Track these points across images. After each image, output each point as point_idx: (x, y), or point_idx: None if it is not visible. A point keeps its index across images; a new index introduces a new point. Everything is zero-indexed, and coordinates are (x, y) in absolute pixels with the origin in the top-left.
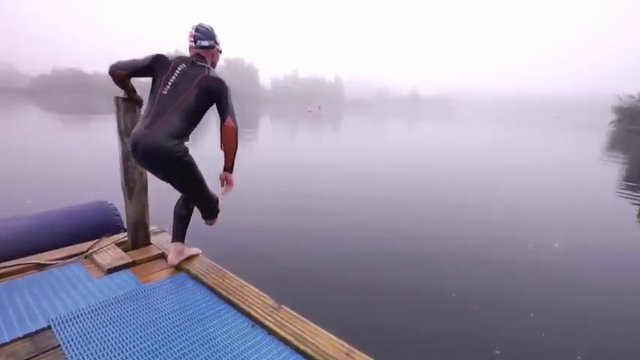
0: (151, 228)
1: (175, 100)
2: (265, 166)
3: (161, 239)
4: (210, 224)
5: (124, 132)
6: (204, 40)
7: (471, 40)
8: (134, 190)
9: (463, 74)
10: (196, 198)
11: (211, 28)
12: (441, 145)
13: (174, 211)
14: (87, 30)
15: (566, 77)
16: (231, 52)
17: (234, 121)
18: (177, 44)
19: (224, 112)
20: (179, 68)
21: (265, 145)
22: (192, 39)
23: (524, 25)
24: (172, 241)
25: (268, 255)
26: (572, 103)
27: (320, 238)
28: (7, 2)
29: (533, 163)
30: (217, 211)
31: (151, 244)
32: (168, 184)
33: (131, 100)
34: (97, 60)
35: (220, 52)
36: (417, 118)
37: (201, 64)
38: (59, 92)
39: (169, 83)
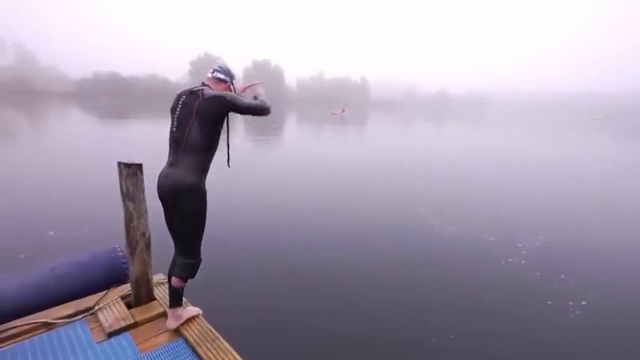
0: (156, 279)
1: (184, 136)
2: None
3: (165, 292)
4: (178, 286)
5: (126, 195)
6: (221, 74)
7: (501, 35)
8: (136, 249)
9: (494, 71)
10: (187, 247)
11: (233, 72)
12: (491, 159)
13: (169, 276)
14: (126, 38)
15: (607, 74)
16: (258, 53)
17: (263, 108)
18: (207, 47)
19: (250, 113)
20: (181, 101)
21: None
22: (211, 70)
23: (558, 20)
24: (170, 307)
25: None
26: (615, 103)
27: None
28: (59, 8)
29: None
30: (193, 274)
31: (154, 299)
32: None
33: (132, 165)
34: (134, 64)
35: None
36: (451, 121)
37: (198, 89)
38: (97, 95)
39: (176, 118)
